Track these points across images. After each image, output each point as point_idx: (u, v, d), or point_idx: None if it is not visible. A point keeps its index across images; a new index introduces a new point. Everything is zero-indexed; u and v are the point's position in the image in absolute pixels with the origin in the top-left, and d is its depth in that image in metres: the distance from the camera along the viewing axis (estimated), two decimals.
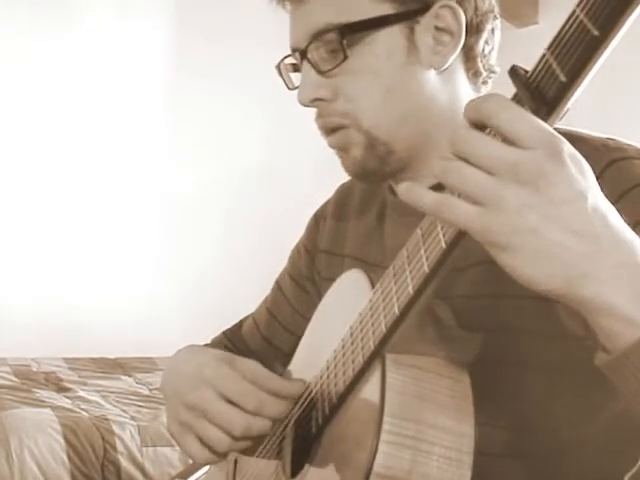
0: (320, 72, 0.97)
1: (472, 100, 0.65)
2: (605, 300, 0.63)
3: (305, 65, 0.98)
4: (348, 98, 0.97)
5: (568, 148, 0.63)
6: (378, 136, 0.97)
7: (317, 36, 0.96)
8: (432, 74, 0.97)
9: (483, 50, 1.00)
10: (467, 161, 0.64)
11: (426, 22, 0.95)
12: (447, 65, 0.97)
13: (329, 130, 1.00)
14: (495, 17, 1.01)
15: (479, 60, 1.00)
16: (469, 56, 0.99)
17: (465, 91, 1.00)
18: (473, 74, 1.01)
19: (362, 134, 0.98)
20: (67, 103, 4.24)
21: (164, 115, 4.50)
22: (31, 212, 4.20)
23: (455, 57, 0.97)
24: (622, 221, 0.65)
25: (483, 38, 0.99)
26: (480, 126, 0.64)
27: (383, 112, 0.97)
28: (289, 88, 1.06)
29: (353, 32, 0.94)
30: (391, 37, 0.95)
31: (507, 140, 0.63)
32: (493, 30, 1.01)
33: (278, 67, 1.05)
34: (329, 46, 0.95)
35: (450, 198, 0.65)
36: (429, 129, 0.99)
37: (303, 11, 0.98)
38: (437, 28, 0.95)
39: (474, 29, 0.97)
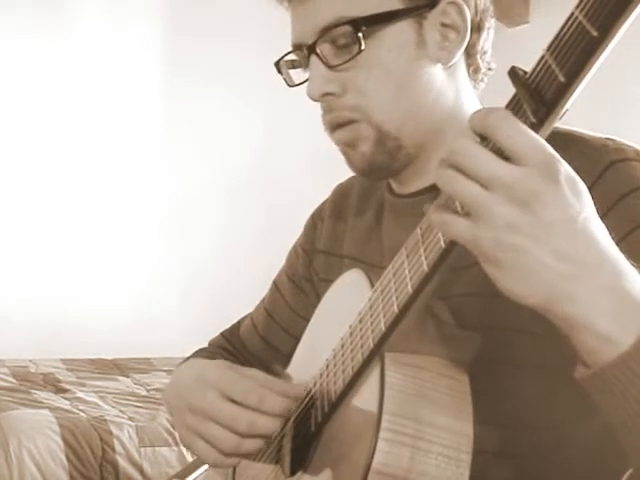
0: (330, 67, 0.97)
1: (477, 111, 0.66)
2: (585, 320, 0.65)
3: (313, 60, 0.98)
4: (359, 92, 0.97)
5: (565, 169, 0.64)
6: (389, 130, 0.97)
7: (327, 30, 0.95)
8: (439, 69, 0.98)
9: (483, 48, 1.01)
10: (464, 172, 0.65)
11: (433, 18, 0.96)
12: (453, 61, 0.98)
13: (337, 125, 1.00)
14: (491, 16, 1.02)
15: (479, 57, 1.01)
16: (470, 53, 1.00)
17: (466, 88, 1.02)
18: (474, 71, 1.02)
19: (373, 128, 0.97)
20: (63, 106, 4.24)
21: (160, 115, 4.50)
22: (28, 214, 4.20)
23: (460, 53, 0.98)
24: (610, 241, 0.66)
25: (483, 36, 1.00)
26: (483, 137, 0.65)
27: (394, 106, 0.97)
28: (289, 85, 1.05)
29: (367, 25, 0.94)
30: (402, 31, 0.95)
31: (506, 155, 0.64)
32: (489, 29, 1.02)
33: (277, 64, 1.05)
34: (340, 40, 0.95)
35: (440, 211, 0.67)
36: (436, 125, 0.99)
37: (310, 6, 0.97)
38: (443, 24, 0.96)
39: (476, 27, 0.99)
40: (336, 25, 0.95)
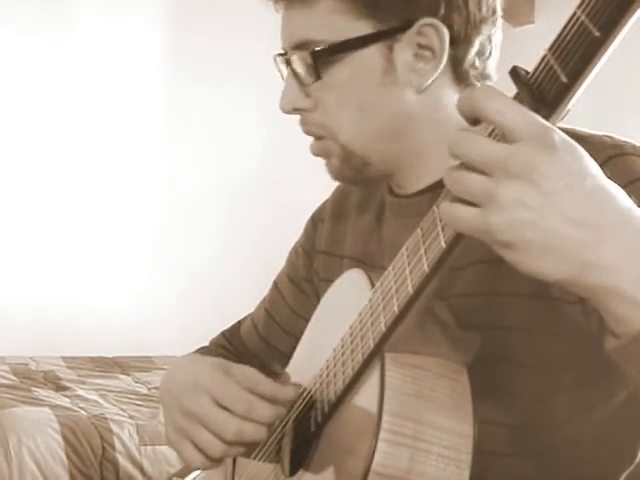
0: (301, 83, 0.97)
1: (464, 92, 0.66)
2: (611, 286, 0.63)
3: (288, 72, 0.99)
4: (326, 112, 0.98)
5: (560, 137, 0.62)
6: (353, 150, 0.98)
7: (297, 48, 0.96)
8: (411, 93, 0.96)
9: (474, 62, 0.97)
10: (461, 160, 0.65)
11: (408, 38, 0.93)
12: (427, 84, 0.95)
13: (312, 136, 1.02)
14: (494, 22, 0.98)
15: (470, 71, 0.97)
16: (458, 69, 0.96)
17: (453, 101, 0.98)
18: (465, 87, 0.98)
19: (338, 147, 0.99)
20: (65, 104, 4.23)
21: (162, 114, 4.50)
22: (29, 212, 4.20)
23: (436, 76, 0.94)
24: (628, 200, 0.65)
25: (474, 49, 0.96)
26: (474, 119, 0.65)
27: (358, 129, 0.97)
28: (284, 80, 1.06)
29: (329, 54, 0.94)
30: (368, 57, 0.94)
31: (498, 132, 0.63)
32: (490, 38, 0.98)
33: (275, 58, 1.04)
34: (308, 60, 0.95)
35: (448, 205, 0.66)
36: (412, 143, 0.98)
37: (289, 18, 0.98)
38: (420, 45, 0.93)
39: (462, 41, 0.95)
40: (303, 46, 0.95)
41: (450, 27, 0.93)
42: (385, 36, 0.93)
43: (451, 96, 0.97)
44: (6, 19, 4.08)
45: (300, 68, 0.96)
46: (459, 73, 0.97)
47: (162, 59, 4.50)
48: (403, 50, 0.94)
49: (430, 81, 0.95)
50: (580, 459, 0.93)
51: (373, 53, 0.94)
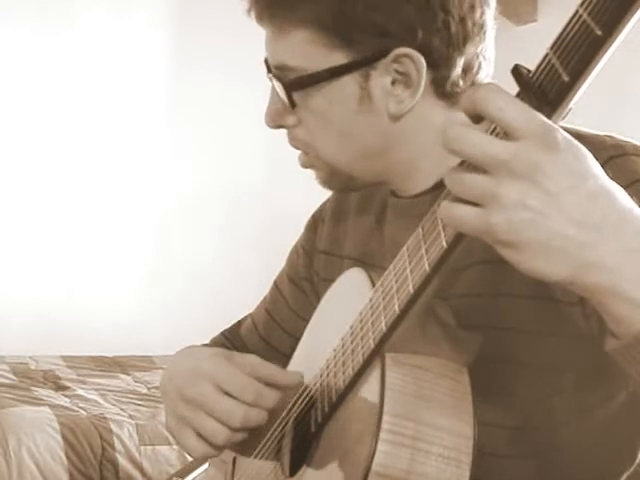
0: (284, 102, 0.97)
1: (468, 89, 0.65)
2: (611, 287, 0.63)
3: (273, 88, 0.98)
4: (309, 131, 0.98)
5: (563, 136, 0.62)
6: (337, 167, 0.99)
7: (276, 69, 0.96)
8: (387, 119, 0.95)
9: (457, 82, 0.94)
10: (462, 162, 0.64)
11: (384, 67, 0.92)
12: (404, 111, 0.94)
13: (298, 150, 1.02)
14: (483, 39, 0.95)
15: (455, 90, 0.94)
16: (440, 90, 0.94)
17: (440, 117, 0.96)
18: (453, 104, 0.96)
19: (323, 162, 0.99)
20: (66, 101, 4.24)
21: (163, 114, 4.50)
22: (29, 211, 4.20)
23: (416, 100, 0.93)
24: (629, 201, 0.65)
25: (456, 70, 0.93)
26: (476, 117, 0.64)
27: (338, 151, 0.97)
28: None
29: (303, 85, 0.94)
30: (343, 86, 0.93)
31: (500, 130, 0.63)
32: (479, 54, 0.95)
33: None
34: (283, 88, 0.95)
35: (449, 204, 0.65)
36: (401, 156, 0.97)
37: (268, 39, 0.97)
38: (397, 72, 0.92)
39: (443, 63, 0.92)
40: (280, 70, 0.95)
41: (429, 51, 0.91)
42: (360, 66, 0.92)
43: (438, 112, 0.96)
44: (7, 15, 4.08)
45: (279, 91, 0.96)
46: (442, 93, 0.95)
47: (164, 57, 4.50)
48: (380, 77, 0.92)
49: (409, 107, 0.93)
50: (580, 460, 0.93)
51: (348, 82, 0.93)
